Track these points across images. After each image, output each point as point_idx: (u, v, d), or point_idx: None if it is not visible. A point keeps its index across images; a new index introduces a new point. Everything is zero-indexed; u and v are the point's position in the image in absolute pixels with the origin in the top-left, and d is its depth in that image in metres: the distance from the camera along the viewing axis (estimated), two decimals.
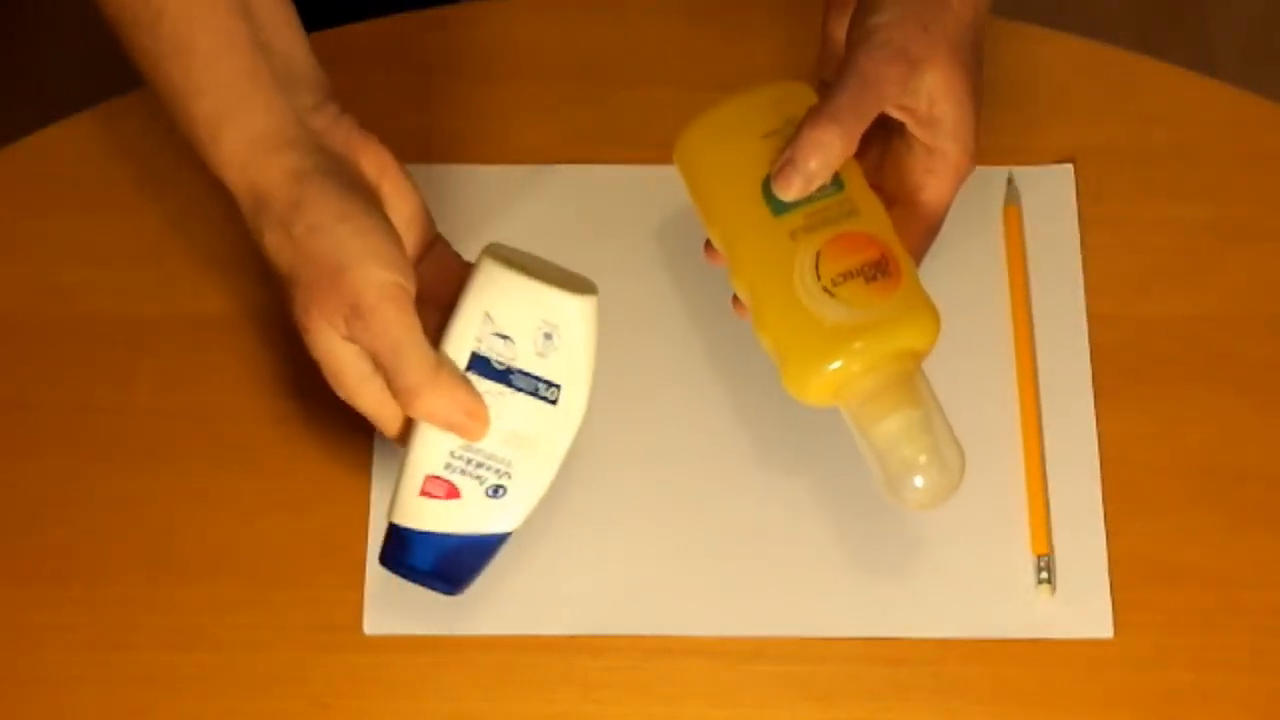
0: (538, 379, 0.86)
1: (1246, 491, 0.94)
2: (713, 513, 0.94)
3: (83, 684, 0.91)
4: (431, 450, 0.86)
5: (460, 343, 0.86)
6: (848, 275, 0.84)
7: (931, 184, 0.87)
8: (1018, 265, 0.98)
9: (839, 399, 0.85)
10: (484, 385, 0.85)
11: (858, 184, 0.87)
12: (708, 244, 0.90)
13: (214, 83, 0.85)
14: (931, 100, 0.86)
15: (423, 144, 1.00)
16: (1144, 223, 1.00)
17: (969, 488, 0.93)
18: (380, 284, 0.83)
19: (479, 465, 0.86)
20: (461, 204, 1.00)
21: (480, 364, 0.86)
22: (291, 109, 0.85)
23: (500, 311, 0.85)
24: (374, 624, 0.92)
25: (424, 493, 0.86)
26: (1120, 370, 0.96)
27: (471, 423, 0.85)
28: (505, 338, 0.85)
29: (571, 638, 0.92)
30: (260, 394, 0.97)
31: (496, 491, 0.86)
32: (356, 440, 0.95)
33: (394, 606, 0.92)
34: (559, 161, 1.01)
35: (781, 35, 1.04)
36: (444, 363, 0.85)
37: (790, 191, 0.84)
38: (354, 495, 0.94)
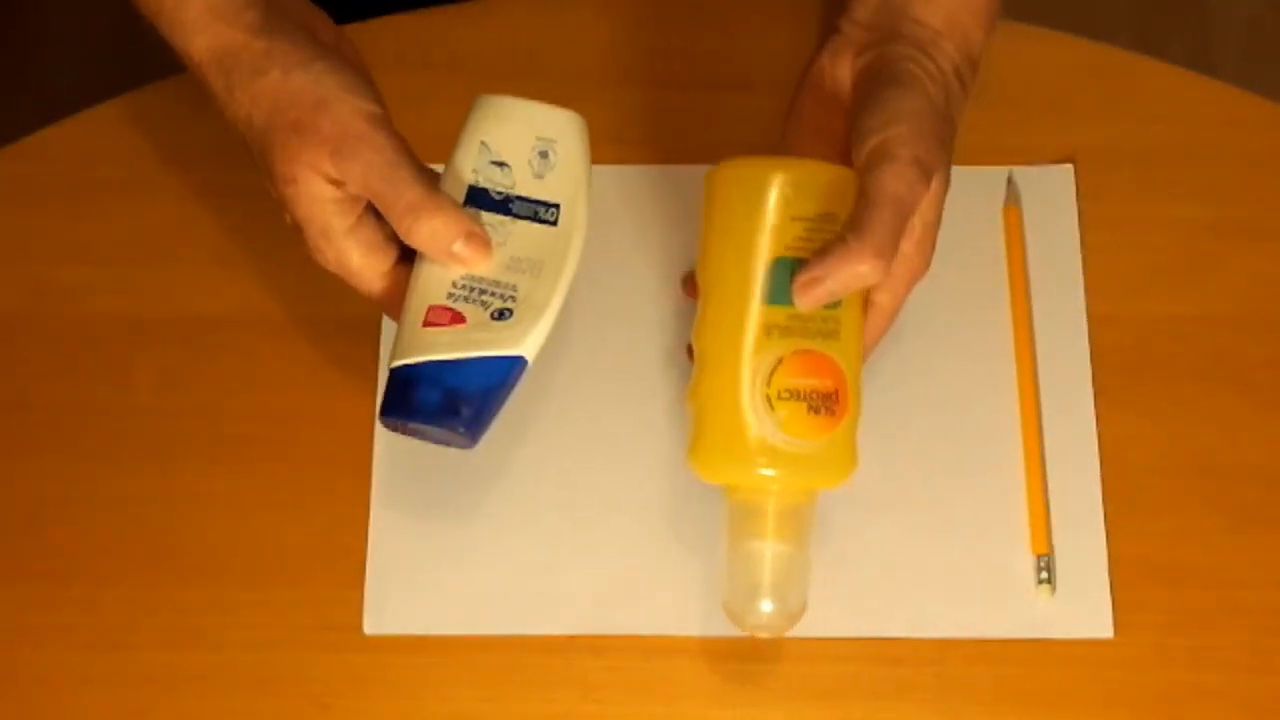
0: (536, 202, 0.86)
1: (1246, 491, 0.94)
2: (714, 513, 0.93)
3: (83, 684, 0.91)
4: (433, 283, 0.85)
5: (457, 176, 0.86)
6: (795, 395, 0.83)
7: (888, 285, 0.87)
8: (1018, 265, 0.98)
9: (730, 494, 0.86)
10: (483, 218, 0.86)
11: (854, 304, 0.86)
12: (688, 277, 0.89)
13: None
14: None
15: (423, 144, 0.99)
16: (1144, 223, 1.00)
17: (969, 488, 0.93)
18: (366, 112, 0.85)
19: (483, 292, 0.85)
20: None
21: (478, 196, 0.86)
22: None
23: (495, 138, 0.87)
24: (374, 624, 0.92)
25: (427, 323, 0.85)
26: (1120, 370, 0.96)
27: (472, 246, 0.85)
28: (502, 165, 0.86)
29: (571, 638, 0.92)
30: (260, 394, 0.97)
31: (502, 315, 0.85)
32: (356, 440, 0.95)
33: (394, 606, 0.92)
34: None
35: (781, 36, 1.04)
36: (438, 187, 0.86)
37: (807, 305, 0.84)
38: (354, 495, 0.94)
